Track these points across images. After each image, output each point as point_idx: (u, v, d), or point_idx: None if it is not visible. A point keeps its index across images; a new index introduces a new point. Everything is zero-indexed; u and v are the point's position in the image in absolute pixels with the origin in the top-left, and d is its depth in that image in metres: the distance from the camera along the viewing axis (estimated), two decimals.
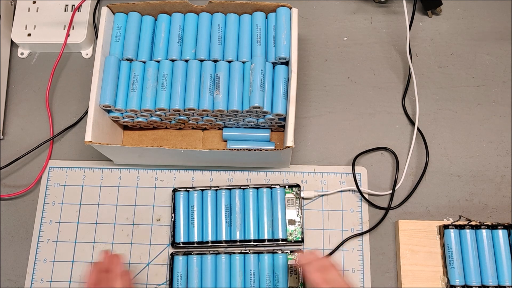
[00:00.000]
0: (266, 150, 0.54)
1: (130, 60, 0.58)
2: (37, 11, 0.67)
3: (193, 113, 0.57)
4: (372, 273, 0.58)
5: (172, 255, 0.57)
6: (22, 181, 0.62)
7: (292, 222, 0.58)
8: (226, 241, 0.58)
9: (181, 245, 0.58)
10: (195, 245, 0.58)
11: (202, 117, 0.59)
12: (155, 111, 0.57)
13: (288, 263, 0.56)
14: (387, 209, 0.59)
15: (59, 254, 0.59)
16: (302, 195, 0.59)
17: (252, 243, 0.57)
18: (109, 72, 0.56)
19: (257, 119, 0.58)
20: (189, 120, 0.60)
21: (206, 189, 0.59)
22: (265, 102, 0.55)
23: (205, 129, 0.63)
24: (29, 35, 0.66)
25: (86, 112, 0.64)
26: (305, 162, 0.62)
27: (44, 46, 0.67)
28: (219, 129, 0.63)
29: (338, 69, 0.66)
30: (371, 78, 0.65)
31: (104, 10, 0.58)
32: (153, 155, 0.58)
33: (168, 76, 0.57)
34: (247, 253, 0.57)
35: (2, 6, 0.66)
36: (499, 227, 0.56)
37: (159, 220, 0.60)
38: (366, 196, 0.60)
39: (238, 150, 0.55)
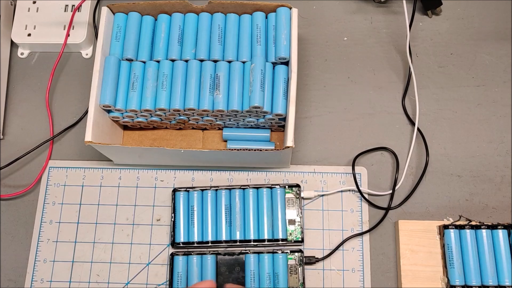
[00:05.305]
0: (266, 150, 0.54)
1: (130, 60, 0.58)
2: (37, 11, 0.67)
3: (193, 113, 0.57)
4: (372, 273, 0.58)
5: (172, 255, 0.57)
6: (22, 181, 0.62)
7: (292, 222, 0.58)
8: (226, 241, 0.58)
9: (181, 245, 0.58)
10: (195, 245, 0.58)
11: (202, 117, 0.59)
12: (155, 111, 0.57)
13: (288, 263, 0.56)
14: (387, 209, 0.59)
15: (59, 254, 0.59)
16: (302, 195, 0.59)
17: (252, 243, 0.57)
18: (109, 72, 0.56)
19: (257, 119, 0.58)
20: (189, 120, 0.60)
21: (206, 189, 0.59)
22: (265, 102, 0.55)
23: (205, 129, 0.63)
24: (29, 35, 0.66)
25: (86, 112, 0.64)
26: (305, 162, 0.62)
27: (44, 46, 0.67)
28: (219, 129, 0.63)
29: (338, 69, 0.66)
30: (371, 78, 0.65)
31: (104, 10, 0.58)
32: (153, 155, 0.58)
33: (168, 76, 0.57)
34: (247, 253, 0.57)
35: (2, 6, 0.66)
36: (499, 227, 0.56)
37: (159, 220, 0.60)
38: (366, 196, 0.60)
39: (238, 150, 0.55)
